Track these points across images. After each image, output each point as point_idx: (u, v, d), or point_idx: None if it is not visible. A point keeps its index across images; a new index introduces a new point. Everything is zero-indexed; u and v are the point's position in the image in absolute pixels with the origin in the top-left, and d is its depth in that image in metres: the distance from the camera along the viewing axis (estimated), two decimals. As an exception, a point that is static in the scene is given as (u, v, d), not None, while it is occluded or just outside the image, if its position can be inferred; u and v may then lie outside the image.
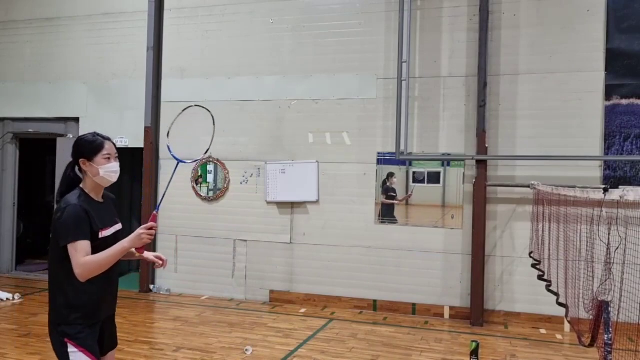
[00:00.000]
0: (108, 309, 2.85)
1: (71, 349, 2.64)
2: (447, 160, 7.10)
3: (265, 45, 7.88)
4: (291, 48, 7.77)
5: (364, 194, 7.39)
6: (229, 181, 7.92)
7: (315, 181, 7.55)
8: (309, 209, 7.62)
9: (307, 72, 7.69)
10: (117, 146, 2.87)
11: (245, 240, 7.86)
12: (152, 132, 8.14)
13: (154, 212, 2.74)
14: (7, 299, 7.37)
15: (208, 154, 3.14)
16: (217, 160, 7.96)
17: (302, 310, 7.32)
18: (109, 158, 2.73)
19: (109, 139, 2.81)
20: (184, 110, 3.26)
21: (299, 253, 7.64)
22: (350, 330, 6.44)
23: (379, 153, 7.37)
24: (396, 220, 7.27)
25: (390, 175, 7.29)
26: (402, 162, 7.24)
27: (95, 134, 2.79)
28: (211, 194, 7.98)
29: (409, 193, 7.21)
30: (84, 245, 2.58)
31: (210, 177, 8.02)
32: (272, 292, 7.74)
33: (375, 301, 7.33)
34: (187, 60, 8.22)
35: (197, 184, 7.99)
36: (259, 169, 7.81)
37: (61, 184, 2.77)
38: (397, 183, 7.28)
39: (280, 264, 7.70)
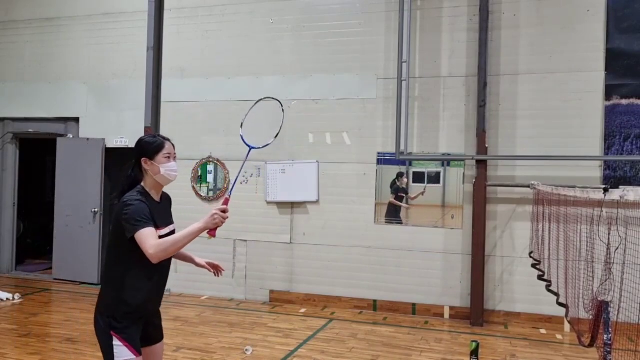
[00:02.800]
0: (155, 305, 2.99)
1: (116, 342, 2.73)
2: (447, 160, 7.10)
3: (265, 45, 7.88)
4: (291, 48, 7.77)
5: (364, 194, 7.39)
6: (229, 181, 7.93)
7: (315, 181, 7.55)
8: (309, 209, 7.62)
9: (307, 72, 7.69)
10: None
11: (245, 240, 7.86)
12: (152, 132, 8.13)
13: (227, 197, 2.82)
14: (7, 299, 7.37)
15: (272, 141, 3.41)
16: (217, 160, 7.96)
17: (302, 310, 7.32)
18: (169, 157, 2.85)
19: (168, 140, 2.92)
20: (256, 103, 3.44)
21: (299, 253, 7.64)
22: (350, 330, 6.44)
23: (379, 153, 7.37)
24: (401, 221, 7.25)
25: (400, 175, 7.26)
26: (402, 162, 7.24)
27: (156, 135, 2.93)
28: (211, 194, 7.98)
29: (422, 191, 7.17)
30: (152, 230, 2.66)
31: (210, 177, 8.02)
32: (272, 292, 7.74)
33: (375, 301, 7.34)
34: (187, 60, 8.22)
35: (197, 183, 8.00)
36: (259, 169, 7.81)
37: (123, 184, 2.87)
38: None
39: (280, 264, 7.70)
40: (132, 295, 2.77)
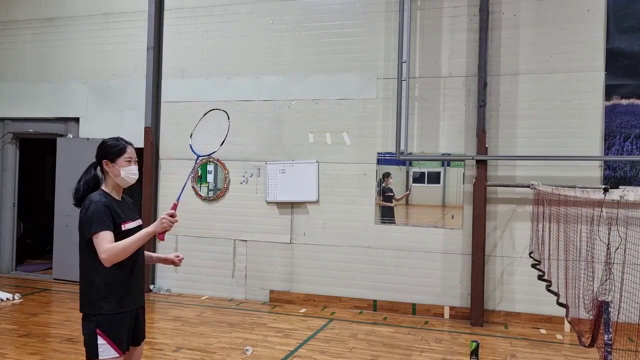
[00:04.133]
0: (137, 299, 3.02)
1: (100, 341, 2.81)
2: (447, 160, 7.10)
3: (265, 45, 7.88)
4: (291, 48, 7.77)
5: (364, 194, 7.39)
6: (229, 181, 7.92)
7: (315, 181, 7.55)
8: (309, 209, 7.62)
9: (307, 72, 7.69)
10: None
11: (245, 240, 7.86)
12: (152, 132, 8.13)
13: (175, 202, 2.99)
14: (7, 299, 7.37)
15: (219, 149, 3.50)
16: (217, 160, 7.96)
17: (302, 310, 7.32)
18: (129, 161, 2.96)
19: (130, 144, 3.03)
20: (205, 115, 3.57)
21: (299, 253, 7.64)
22: (350, 330, 6.44)
23: (379, 153, 7.37)
24: (394, 220, 7.27)
25: (386, 175, 7.29)
26: (402, 162, 7.24)
27: (119, 139, 3.03)
28: (211, 194, 7.98)
29: (407, 192, 7.21)
30: (107, 234, 2.78)
31: (210, 177, 8.02)
32: (272, 292, 7.74)
33: (375, 301, 7.33)
34: (187, 60, 8.22)
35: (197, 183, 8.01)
36: (259, 169, 7.81)
37: (83, 182, 2.95)
38: (398, 183, 7.28)
39: (280, 264, 7.70)
40: (113, 290, 2.84)
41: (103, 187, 2.95)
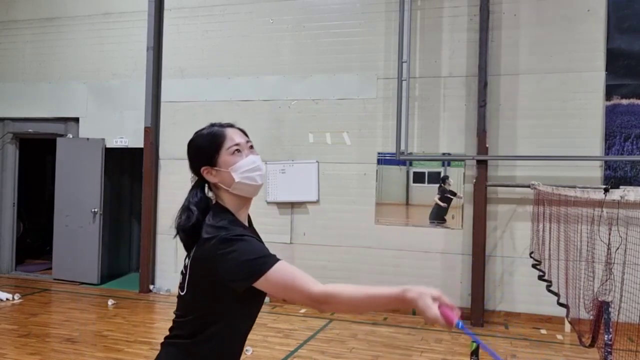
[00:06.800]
0: None
1: None
2: (447, 160, 7.09)
3: (265, 45, 7.88)
4: (291, 48, 7.77)
5: (364, 194, 7.38)
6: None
7: (315, 181, 7.55)
8: (309, 209, 7.61)
9: (307, 72, 7.69)
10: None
11: (245, 240, 7.84)
12: (152, 132, 8.12)
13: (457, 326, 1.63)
14: (7, 299, 7.37)
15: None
16: (217, 160, 7.95)
17: (302, 311, 7.31)
18: (238, 150, 1.81)
19: (231, 125, 1.88)
20: None
21: (299, 253, 7.63)
22: (350, 330, 6.44)
23: (379, 153, 7.36)
24: (445, 222, 7.08)
25: (445, 178, 7.10)
26: (402, 162, 7.24)
27: (211, 125, 1.88)
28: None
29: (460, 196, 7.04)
30: (287, 265, 1.67)
31: (210, 177, 8.01)
32: (272, 292, 7.72)
33: (375, 301, 7.32)
34: (187, 60, 8.22)
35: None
36: (259, 169, 7.80)
37: (189, 216, 1.85)
38: (399, 183, 7.27)
39: (280, 264, 7.69)
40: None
41: (225, 207, 1.83)
